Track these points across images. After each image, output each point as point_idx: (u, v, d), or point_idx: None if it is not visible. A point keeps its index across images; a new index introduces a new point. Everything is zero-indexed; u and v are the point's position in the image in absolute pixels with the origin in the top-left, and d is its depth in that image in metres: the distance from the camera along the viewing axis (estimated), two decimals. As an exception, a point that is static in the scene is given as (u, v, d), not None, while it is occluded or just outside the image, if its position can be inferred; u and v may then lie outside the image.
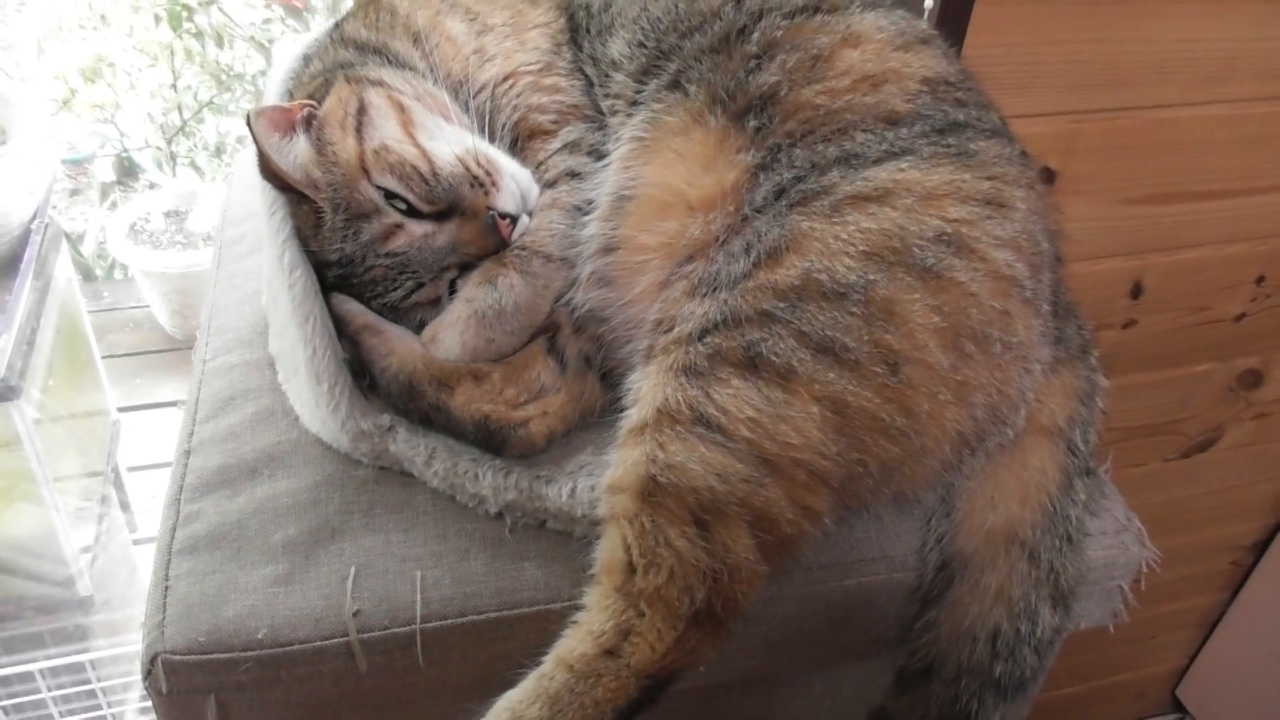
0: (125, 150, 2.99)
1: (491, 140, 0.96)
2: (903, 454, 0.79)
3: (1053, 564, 0.88)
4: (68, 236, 2.76)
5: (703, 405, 0.76)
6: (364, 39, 0.99)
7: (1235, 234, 1.67)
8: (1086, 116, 1.46)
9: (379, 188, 0.87)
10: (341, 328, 0.90)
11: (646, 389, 0.81)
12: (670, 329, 0.83)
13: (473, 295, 0.88)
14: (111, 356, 2.67)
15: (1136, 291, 1.68)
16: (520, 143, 0.97)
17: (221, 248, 1.18)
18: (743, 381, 0.77)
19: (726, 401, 0.76)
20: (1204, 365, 1.85)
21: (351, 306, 0.91)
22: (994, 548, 0.88)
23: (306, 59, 1.03)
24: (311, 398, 0.90)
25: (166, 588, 0.82)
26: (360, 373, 0.90)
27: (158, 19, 2.79)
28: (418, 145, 0.88)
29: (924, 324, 0.78)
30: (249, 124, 0.84)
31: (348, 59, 0.97)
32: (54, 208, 2.85)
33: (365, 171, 0.87)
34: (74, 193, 3.07)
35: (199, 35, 2.86)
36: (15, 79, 2.54)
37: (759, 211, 0.84)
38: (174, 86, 2.92)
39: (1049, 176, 1.49)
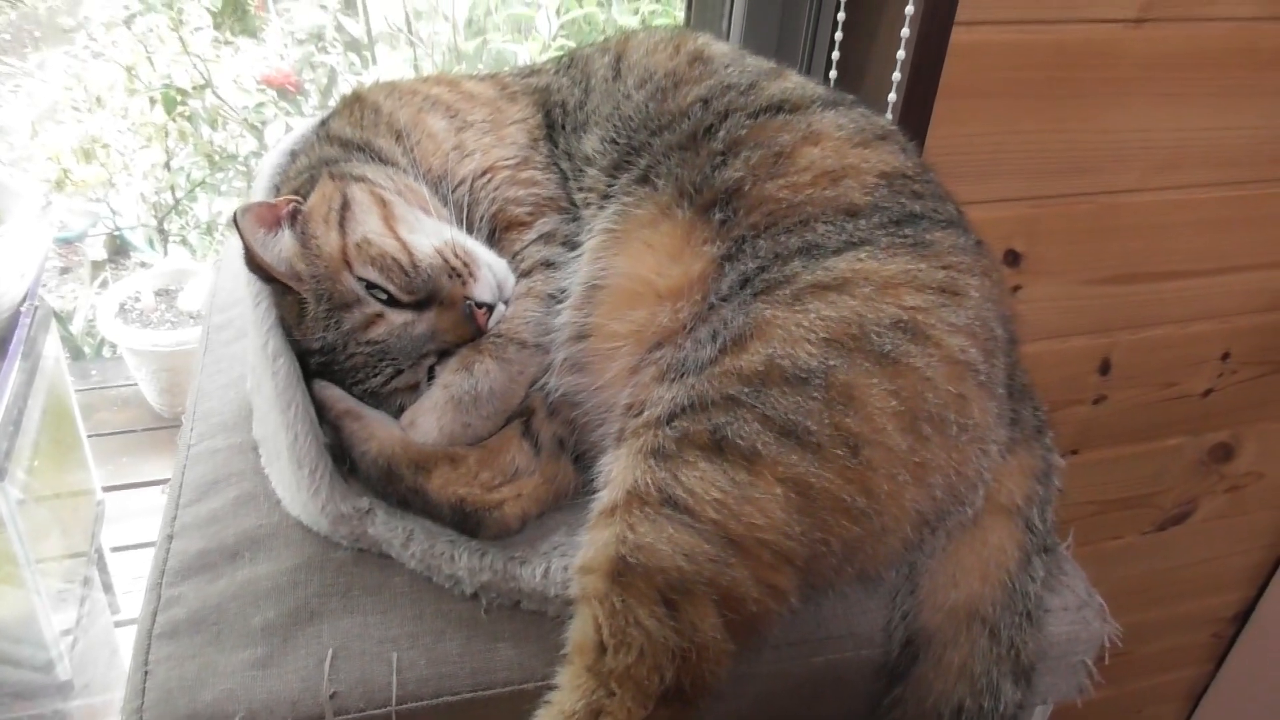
0: (117, 229, 3.04)
1: (470, 232, 1.00)
2: (864, 533, 0.81)
3: (1013, 640, 0.90)
4: (57, 315, 2.79)
5: (670, 487, 0.79)
6: (348, 136, 1.04)
7: (1199, 312, 1.72)
8: (1048, 202, 1.52)
9: (360, 279, 0.91)
10: (323, 413, 0.93)
11: (617, 471, 0.83)
12: (640, 413, 0.86)
13: (450, 381, 0.91)
14: (99, 435, 2.69)
15: (1105, 368, 1.72)
16: (497, 234, 1.01)
17: (208, 333, 1.21)
18: (709, 464, 0.79)
19: (693, 483, 0.78)
20: (1175, 440, 1.88)
21: (333, 393, 0.94)
22: (956, 625, 0.90)
23: (294, 154, 1.08)
24: (293, 481, 0.92)
25: (145, 673, 0.83)
26: (341, 457, 0.92)
27: (152, 102, 2.86)
28: (398, 238, 0.92)
29: (882, 408, 0.81)
30: (235, 221, 0.88)
31: (332, 155, 1.01)
32: (44, 286, 2.88)
33: (347, 264, 0.91)
34: (64, 271, 3.11)
35: (192, 118, 2.93)
36: (8, 162, 2.59)
37: (724, 300, 0.87)
38: (167, 166, 2.98)
39: (1014, 259, 1.55)
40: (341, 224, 0.92)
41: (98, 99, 2.90)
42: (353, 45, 2.98)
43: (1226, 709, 2.34)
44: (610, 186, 0.99)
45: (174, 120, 2.91)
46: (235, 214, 0.89)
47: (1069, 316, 1.65)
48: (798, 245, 0.89)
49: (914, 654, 0.90)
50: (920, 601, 0.91)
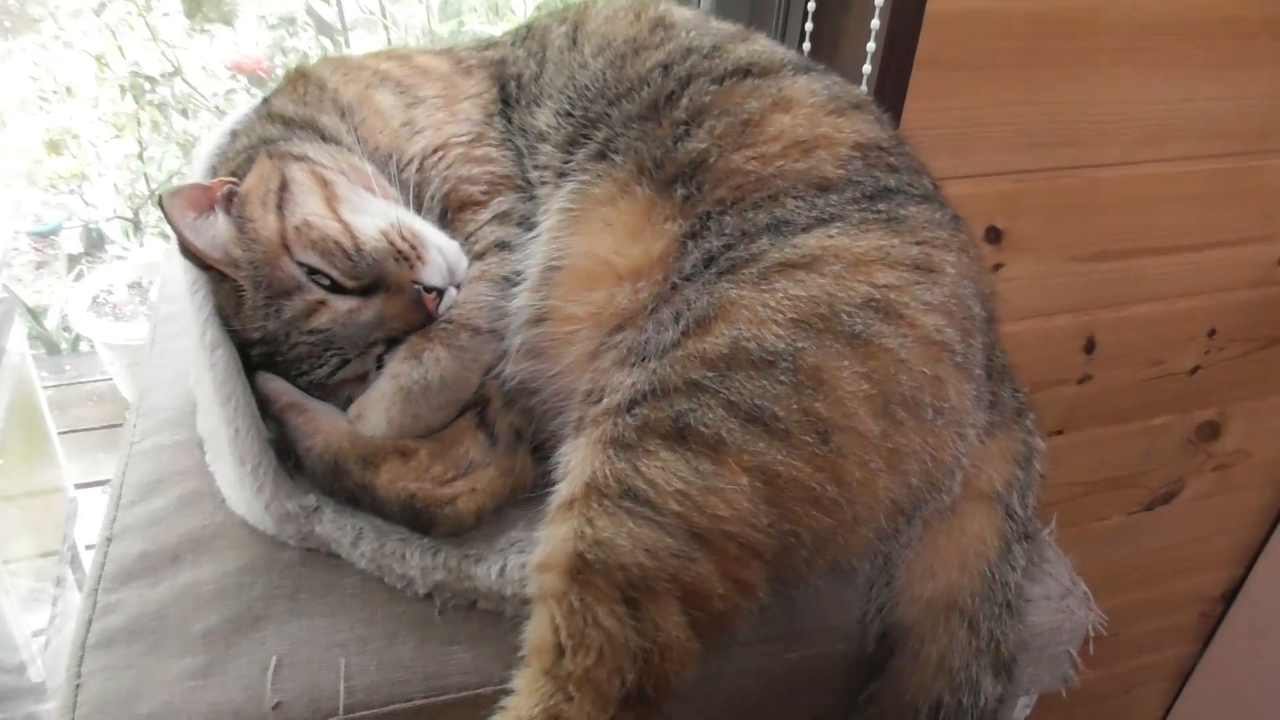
0: (93, 222, 2.98)
1: (420, 212, 0.95)
2: (836, 524, 0.77)
3: (993, 632, 0.86)
4: (31, 310, 2.74)
5: (631, 479, 0.75)
6: (291, 114, 0.98)
7: (1184, 289, 1.68)
8: (1029, 176, 1.47)
9: (301, 264, 0.86)
10: (266, 407, 0.89)
11: (575, 462, 0.79)
12: (600, 400, 0.81)
13: (398, 371, 0.87)
14: (73, 431, 2.64)
15: (1090, 347, 1.68)
16: (450, 214, 0.96)
17: (156, 325, 1.17)
18: (671, 453, 0.75)
19: (654, 474, 0.74)
20: (1162, 418, 1.85)
21: (276, 385, 0.89)
22: (934, 617, 0.86)
23: (234, 134, 1.02)
24: (236, 479, 0.88)
25: (78, 685, 0.79)
26: (285, 452, 0.88)
27: (123, 90, 2.80)
28: (341, 220, 0.87)
29: (853, 391, 0.77)
30: (161, 205, 0.83)
31: (273, 134, 0.96)
32: (19, 280, 2.82)
33: (287, 248, 0.86)
34: (40, 265, 3.05)
35: (161, 106, 2.87)
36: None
37: (688, 280, 0.83)
38: (140, 157, 2.92)
39: (995, 235, 1.50)
40: (280, 206, 0.87)
41: (68, 89, 2.85)
42: (326, 29, 2.92)
43: (1215, 687, 2.32)
44: (566, 163, 0.95)
45: (143, 109, 2.86)
46: (161, 198, 0.84)
47: (1052, 294, 1.61)
48: (765, 222, 0.84)
49: (890, 647, 0.86)
50: (896, 593, 0.87)
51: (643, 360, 0.80)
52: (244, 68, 2.95)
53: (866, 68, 1.30)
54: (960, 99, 1.37)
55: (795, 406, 0.75)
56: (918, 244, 0.85)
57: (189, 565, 0.88)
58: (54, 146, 2.85)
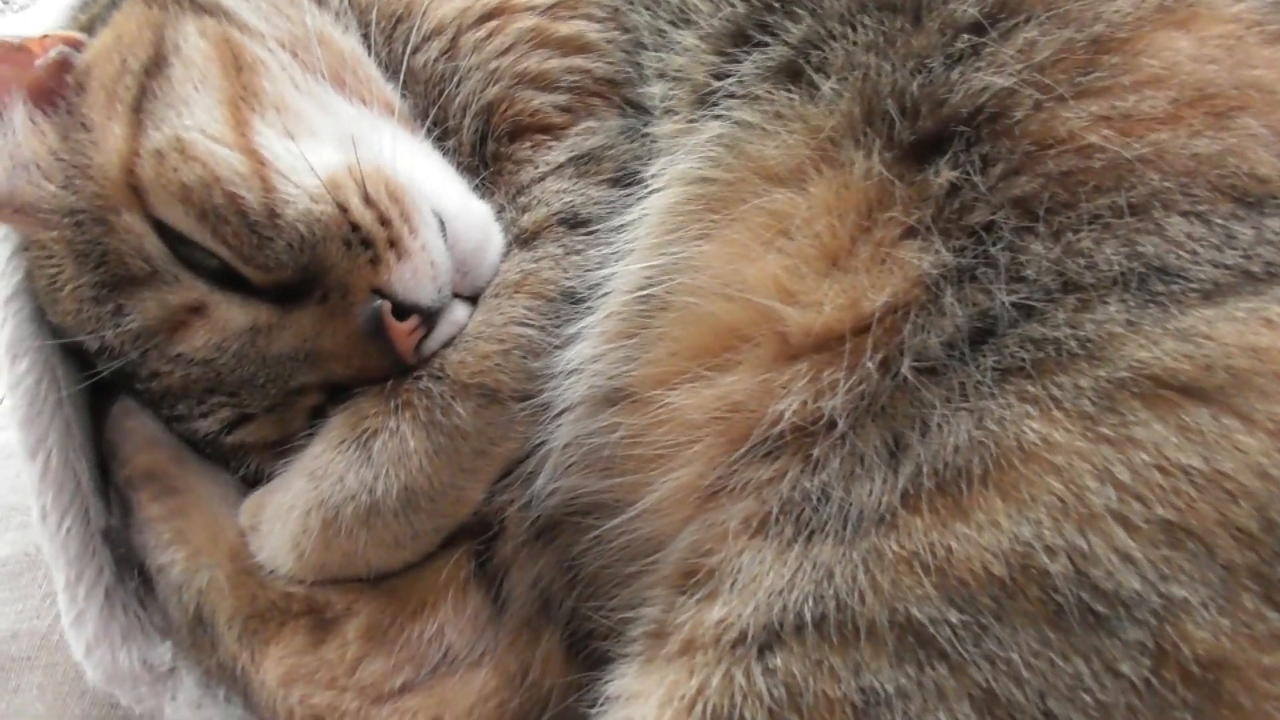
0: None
1: (443, 134, 0.51)
2: None
3: None
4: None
5: None
6: None
7: None
8: None
9: (159, 224, 0.43)
10: (111, 468, 0.49)
11: None
12: (711, 594, 0.39)
13: (323, 468, 0.45)
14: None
15: None
16: (494, 144, 0.52)
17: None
18: None
19: None
20: None
21: (136, 428, 0.50)
22: None
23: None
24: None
25: None
26: (132, 557, 0.48)
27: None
28: (249, 146, 0.44)
29: None
30: None
31: None
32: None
33: (135, 190, 0.43)
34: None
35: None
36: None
37: (931, 374, 0.43)
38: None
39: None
40: (138, 104, 0.44)
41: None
42: None
43: None
44: (719, 78, 0.48)
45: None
46: None
47: None
48: (1120, 265, 0.43)
49: None
50: None
51: (808, 536, 0.41)
52: None
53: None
54: None
55: None
56: None
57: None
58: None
